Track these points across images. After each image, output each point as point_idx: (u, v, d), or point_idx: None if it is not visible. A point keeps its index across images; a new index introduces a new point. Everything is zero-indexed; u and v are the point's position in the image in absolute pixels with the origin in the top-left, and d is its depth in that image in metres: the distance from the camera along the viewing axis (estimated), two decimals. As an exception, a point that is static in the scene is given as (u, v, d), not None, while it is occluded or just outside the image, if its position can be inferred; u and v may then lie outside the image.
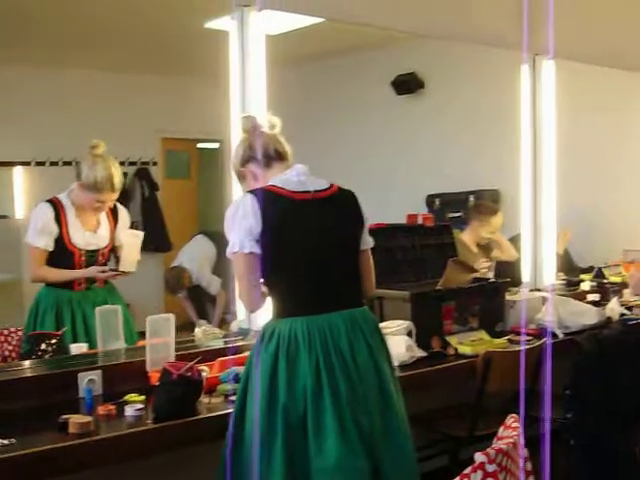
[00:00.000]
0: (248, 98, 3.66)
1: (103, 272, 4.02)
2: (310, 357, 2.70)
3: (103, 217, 4.12)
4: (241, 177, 3.01)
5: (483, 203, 5.96)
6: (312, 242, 2.80)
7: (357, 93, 8.35)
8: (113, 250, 4.16)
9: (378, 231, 4.15)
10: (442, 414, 3.85)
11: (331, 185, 2.91)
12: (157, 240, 9.03)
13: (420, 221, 4.38)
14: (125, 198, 7.38)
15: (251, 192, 2.77)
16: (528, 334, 4.07)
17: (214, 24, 6.22)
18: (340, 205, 2.90)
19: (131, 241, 4.07)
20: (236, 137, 3.66)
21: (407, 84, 7.86)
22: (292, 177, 2.83)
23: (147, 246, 9.06)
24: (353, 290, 2.92)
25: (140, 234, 4.11)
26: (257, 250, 2.71)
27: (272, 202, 2.73)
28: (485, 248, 5.56)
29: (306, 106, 8.35)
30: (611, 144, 6.48)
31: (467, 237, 5.46)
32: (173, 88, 8.82)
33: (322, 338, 2.72)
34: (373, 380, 2.79)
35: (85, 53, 7.59)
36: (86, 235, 4.04)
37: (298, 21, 5.89)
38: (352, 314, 2.82)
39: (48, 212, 3.97)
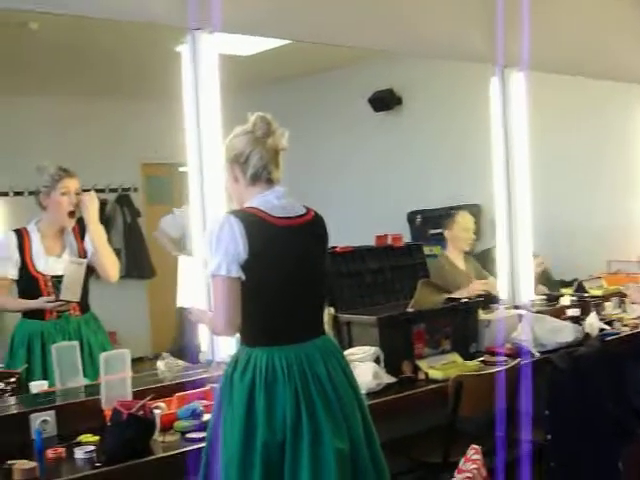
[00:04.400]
0: (202, 122, 3.60)
1: (49, 302, 3.89)
2: (290, 387, 2.67)
3: (70, 240, 4.06)
4: (225, 166, 2.91)
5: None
6: (291, 271, 2.77)
7: (334, 111, 8.26)
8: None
9: (346, 255, 4.07)
10: (414, 440, 3.74)
11: (308, 210, 2.88)
12: (140, 267, 8.96)
13: (389, 242, 4.27)
14: (106, 225, 7.30)
15: (235, 214, 2.71)
16: (503, 354, 3.96)
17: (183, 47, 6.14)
18: (316, 232, 2.90)
19: (73, 269, 3.94)
20: (193, 161, 3.63)
21: (384, 100, 7.76)
22: (273, 200, 2.78)
23: (130, 273, 9.04)
24: (321, 318, 2.94)
25: (84, 262, 3.98)
26: (242, 276, 2.66)
27: (257, 228, 2.69)
28: (472, 263, 5.46)
29: (283, 125, 8.24)
30: (588, 153, 6.40)
31: (450, 252, 5.35)
32: (152, 113, 8.66)
33: (300, 368, 2.70)
34: (353, 405, 2.79)
35: (58, 80, 7.52)
36: (50, 260, 3.96)
37: (272, 41, 5.82)
38: (324, 342, 2.84)
39: (9, 240, 3.96)
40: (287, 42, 4.88)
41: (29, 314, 3.95)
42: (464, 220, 5.42)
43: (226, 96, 3.69)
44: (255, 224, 2.69)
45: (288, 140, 2.89)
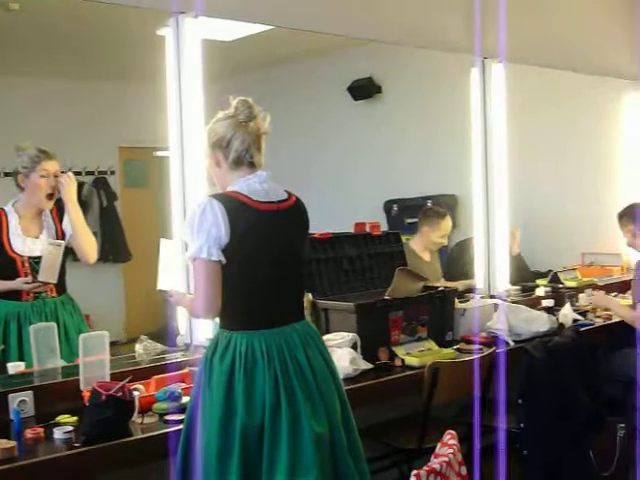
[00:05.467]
0: (185, 106, 3.60)
1: (27, 283, 3.87)
2: (269, 371, 2.67)
3: (49, 221, 4.03)
4: (207, 151, 2.90)
5: (432, 207, 5.90)
6: (273, 256, 2.77)
7: (313, 99, 8.24)
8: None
9: (324, 241, 4.08)
10: (390, 426, 3.78)
11: (289, 195, 2.88)
12: (116, 251, 8.92)
13: (368, 229, 4.29)
14: (83, 208, 7.21)
15: (217, 198, 2.70)
16: (478, 342, 4.00)
17: (165, 31, 6.11)
18: (298, 217, 2.91)
19: (51, 250, 3.92)
20: (174, 146, 3.63)
21: (364, 89, 7.73)
22: (256, 184, 2.78)
23: (106, 257, 8.98)
24: (301, 302, 2.95)
25: (62, 243, 3.96)
26: (223, 259, 2.66)
27: (239, 213, 2.69)
28: (437, 259, 5.48)
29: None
30: (566, 146, 6.43)
31: (417, 244, 5.35)
32: (131, 96, 8.64)
33: (280, 352, 2.71)
34: (332, 390, 2.81)
35: (39, 60, 7.46)
36: (27, 241, 3.93)
37: (254, 27, 5.81)
38: (303, 326, 2.85)
39: None
40: (268, 28, 4.88)
41: (5, 295, 3.92)
42: (446, 226, 5.37)
43: (208, 81, 3.69)
44: (237, 208, 2.69)
45: (269, 126, 2.90)
